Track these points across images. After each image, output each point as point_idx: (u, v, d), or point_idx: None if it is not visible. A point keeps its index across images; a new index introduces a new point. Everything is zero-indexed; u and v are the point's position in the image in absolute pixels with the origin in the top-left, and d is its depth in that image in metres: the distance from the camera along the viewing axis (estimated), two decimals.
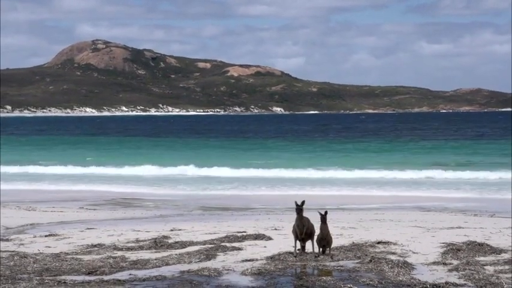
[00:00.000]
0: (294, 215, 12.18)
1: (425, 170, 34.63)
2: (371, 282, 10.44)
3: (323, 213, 12.06)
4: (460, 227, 15.90)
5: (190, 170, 36.90)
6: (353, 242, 13.44)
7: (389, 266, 11.41)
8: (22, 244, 14.00)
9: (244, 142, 67.03)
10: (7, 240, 14.60)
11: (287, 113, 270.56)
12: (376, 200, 25.23)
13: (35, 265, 11.68)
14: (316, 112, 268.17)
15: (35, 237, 15.00)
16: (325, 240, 12.12)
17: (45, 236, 15.07)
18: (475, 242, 13.16)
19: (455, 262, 11.74)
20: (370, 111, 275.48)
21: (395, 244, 13.37)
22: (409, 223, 16.99)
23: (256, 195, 26.99)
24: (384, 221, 17.60)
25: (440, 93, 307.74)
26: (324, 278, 10.65)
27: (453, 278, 10.68)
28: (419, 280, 10.52)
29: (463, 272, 10.98)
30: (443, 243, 13.43)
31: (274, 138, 75.34)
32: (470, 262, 11.63)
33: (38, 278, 10.73)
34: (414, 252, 12.61)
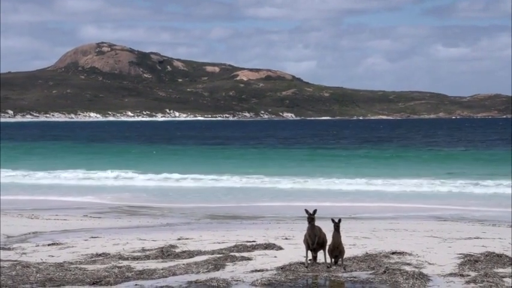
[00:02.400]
0: (305, 224, 11.83)
1: (440, 179, 34.18)
2: None
3: (337, 221, 11.67)
4: (478, 238, 15.51)
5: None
6: (366, 252, 13.08)
7: (404, 277, 11.09)
8: (24, 253, 13.68)
9: (253, 150, 66.73)
10: (9, 249, 14.27)
11: (298, 118, 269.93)
12: (390, 209, 24.82)
13: (37, 275, 11.38)
14: (328, 118, 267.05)
15: (38, 246, 14.67)
16: (337, 250, 11.74)
17: (48, 244, 14.75)
18: (494, 253, 12.79)
19: (473, 274, 11.37)
20: (384, 117, 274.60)
21: (410, 255, 13.00)
22: (425, 233, 16.58)
23: (266, 205, 26.57)
24: (399, 231, 17.19)
25: (457, 99, 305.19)
26: None
27: None
28: None
29: (481, 284, 10.67)
30: (460, 254, 13.05)
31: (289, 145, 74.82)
32: (488, 274, 11.27)
33: None
34: (430, 263, 12.24)
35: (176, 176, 36.69)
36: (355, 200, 27.60)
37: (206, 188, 32.80)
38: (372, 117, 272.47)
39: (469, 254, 12.88)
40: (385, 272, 11.42)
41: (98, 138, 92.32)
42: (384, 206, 25.68)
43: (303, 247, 11.98)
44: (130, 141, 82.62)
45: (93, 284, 10.83)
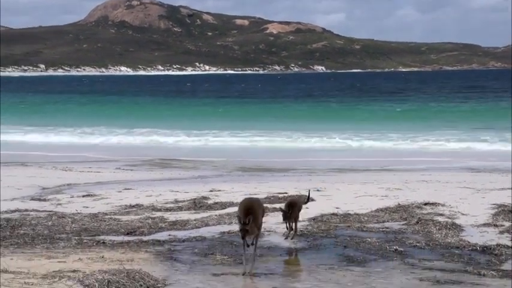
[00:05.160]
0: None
1: (475, 130, 33.78)
2: (418, 244, 10.09)
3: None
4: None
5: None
6: (399, 204, 13.03)
7: (437, 227, 11.05)
8: (60, 204, 13.85)
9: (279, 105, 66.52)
10: (44, 200, 14.47)
11: (328, 71, 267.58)
12: (422, 162, 24.63)
13: (73, 225, 11.51)
14: (359, 71, 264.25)
15: (73, 197, 14.84)
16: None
17: (83, 196, 14.91)
18: None
19: (506, 224, 11.30)
20: (416, 69, 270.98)
21: (443, 205, 12.93)
22: (458, 184, 16.45)
23: (297, 160, 26.52)
24: (431, 182, 17.07)
25: (490, 50, 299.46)
26: (369, 239, 10.28)
27: (505, 240, 10.27)
28: (469, 242, 10.13)
29: None
30: (493, 204, 12.96)
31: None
32: None
33: (76, 237, 10.55)
34: (463, 214, 12.17)
35: (206, 131, 36.73)
36: (385, 154, 27.47)
37: (234, 144, 32.75)
38: (404, 70, 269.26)
39: (503, 205, 12.77)
40: (417, 222, 11.39)
41: (127, 92, 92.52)
42: (415, 160, 25.50)
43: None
44: (161, 96, 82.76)
45: (128, 234, 10.92)
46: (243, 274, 8.42)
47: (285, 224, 10.64)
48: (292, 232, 10.46)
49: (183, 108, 59.00)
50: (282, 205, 10.65)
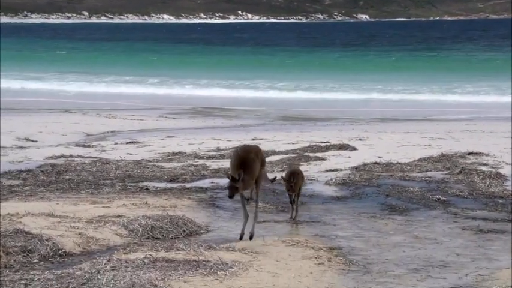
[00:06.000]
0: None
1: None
2: (461, 194, 10.05)
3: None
4: None
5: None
6: (442, 153, 12.92)
7: (481, 177, 10.97)
8: (104, 151, 14.02)
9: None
10: (89, 146, 14.66)
11: (372, 20, 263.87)
12: (466, 111, 24.33)
13: (117, 171, 11.65)
14: (403, 19, 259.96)
15: (116, 144, 15.01)
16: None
17: (126, 143, 15.07)
18: None
19: None
20: (462, 17, 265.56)
21: (487, 155, 12.79)
22: (503, 134, 16.20)
23: (339, 110, 26.36)
24: (475, 132, 16.87)
25: None
26: (412, 189, 10.25)
27: None
28: None
29: None
30: None
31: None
32: None
33: (120, 183, 10.68)
34: (508, 164, 12.03)
35: (246, 82, 36.64)
36: (429, 104, 27.22)
37: (274, 95, 32.61)
38: (449, 18, 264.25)
39: None
40: (461, 172, 11.30)
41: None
42: (459, 110, 25.20)
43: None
44: (201, 45, 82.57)
45: (171, 181, 11.03)
46: (240, 238, 7.34)
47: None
48: (293, 212, 8.69)
49: (225, 56, 58.86)
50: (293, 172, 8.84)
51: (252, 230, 7.38)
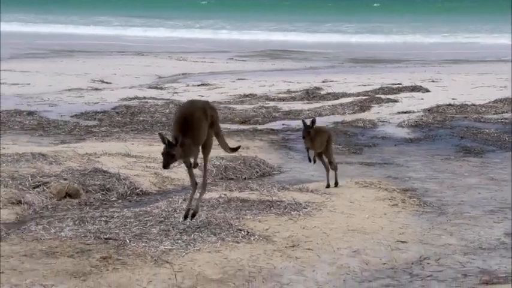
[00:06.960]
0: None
1: None
2: None
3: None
4: None
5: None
6: None
7: None
8: (176, 93, 14.15)
9: None
10: (161, 88, 14.82)
11: None
12: None
13: None
14: None
15: (188, 86, 15.13)
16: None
17: (198, 85, 15.18)
18: None
19: None
20: None
21: None
22: None
23: (411, 52, 25.87)
24: None
25: None
26: (487, 130, 10.07)
27: None
28: None
29: None
30: None
31: None
32: None
33: None
34: None
35: (312, 26, 36.27)
36: (502, 46, 26.48)
37: (342, 38, 32.20)
38: None
39: None
40: None
41: None
42: None
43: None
44: None
45: (243, 122, 11.10)
46: (185, 217, 5.62)
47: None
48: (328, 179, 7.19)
49: (288, 1, 58.20)
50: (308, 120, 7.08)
51: (196, 206, 5.68)
